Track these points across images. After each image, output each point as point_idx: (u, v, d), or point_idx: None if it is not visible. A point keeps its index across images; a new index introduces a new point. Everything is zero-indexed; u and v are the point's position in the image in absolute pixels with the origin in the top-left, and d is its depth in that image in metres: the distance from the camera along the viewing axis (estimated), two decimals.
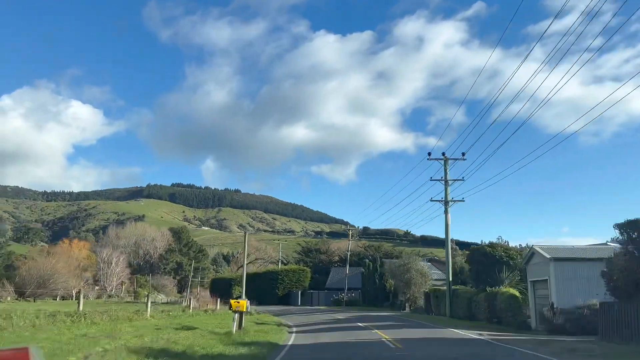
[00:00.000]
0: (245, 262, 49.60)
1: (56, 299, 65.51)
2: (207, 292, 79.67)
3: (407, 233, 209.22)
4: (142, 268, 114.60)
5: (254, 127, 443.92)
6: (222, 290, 78.26)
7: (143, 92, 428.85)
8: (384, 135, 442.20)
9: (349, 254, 65.32)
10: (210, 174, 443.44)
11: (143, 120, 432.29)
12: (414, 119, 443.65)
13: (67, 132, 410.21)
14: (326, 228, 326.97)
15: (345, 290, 60.45)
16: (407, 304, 50.04)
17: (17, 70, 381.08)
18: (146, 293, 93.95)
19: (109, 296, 77.70)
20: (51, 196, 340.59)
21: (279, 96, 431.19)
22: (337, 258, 72.53)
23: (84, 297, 28.95)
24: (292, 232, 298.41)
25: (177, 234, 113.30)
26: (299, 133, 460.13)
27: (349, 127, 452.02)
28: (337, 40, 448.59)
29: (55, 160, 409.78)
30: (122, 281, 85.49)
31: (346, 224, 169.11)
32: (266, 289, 70.04)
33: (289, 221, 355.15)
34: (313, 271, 73.24)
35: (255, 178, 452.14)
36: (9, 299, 53.69)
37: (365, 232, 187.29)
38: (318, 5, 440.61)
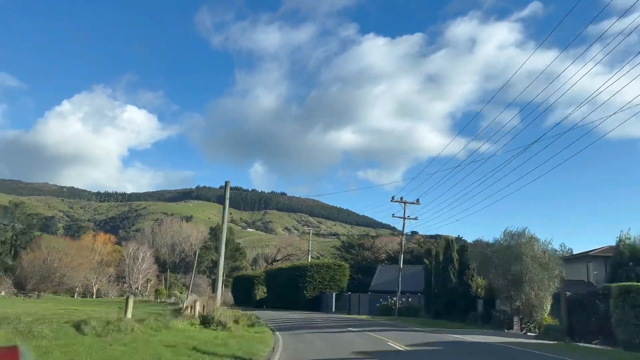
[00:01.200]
0: (222, 250, 32.22)
1: (61, 294, 57.41)
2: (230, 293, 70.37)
3: (458, 238, 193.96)
4: (178, 266, 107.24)
5: (301, 131, 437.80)
6: (244, 289, 68.40)
7: (195, 97, 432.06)
8: (433, 139, 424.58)
9: (403, 238, 44.96)
10: (258, 178, 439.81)
11: (195, 125, 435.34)
12: (464, 123, 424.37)
13: (123, 136, 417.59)
14: (372, 232, 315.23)
15: (398, 293, 41.52)
16: (517, 318, 29.00)
17: (76, 75, 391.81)
18: (170, 292, 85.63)
19: (133, 294, 70.10)
20: (104, 197, 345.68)
21: (326, 100, 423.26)
22: (384, 256, 60.42)
23: (94, 294, 20.23)
24: (337, 235, 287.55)
25: (213, 231, 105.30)
26: (346, 137, 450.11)
27: (396, 131, 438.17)
28: (386, 43, 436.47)
29: (111, 162, 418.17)
30: (148, 278, 77.27)
31: (393, 229, 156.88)
32: (291, 289, 56.87)
33: (335, 225, 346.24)
34: (354, 270, 59.82)
35: (302, 182, 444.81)
36: (2, 293, 45.82)
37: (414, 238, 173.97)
38: (367, 8, 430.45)
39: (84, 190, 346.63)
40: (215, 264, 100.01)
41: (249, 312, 31.17)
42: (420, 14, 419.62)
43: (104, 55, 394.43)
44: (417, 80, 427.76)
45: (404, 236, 45.64)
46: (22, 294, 48.28)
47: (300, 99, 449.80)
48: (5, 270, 50.82)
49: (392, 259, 55.78)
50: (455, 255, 37.63)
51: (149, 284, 77.39)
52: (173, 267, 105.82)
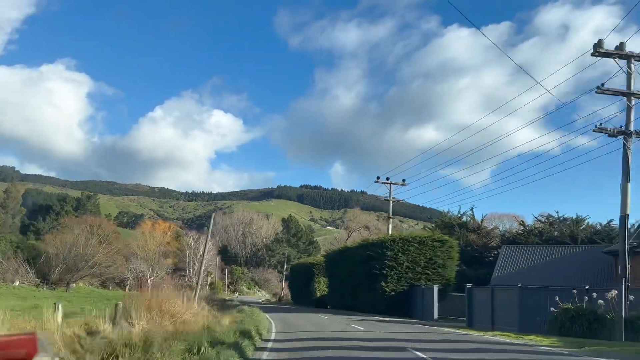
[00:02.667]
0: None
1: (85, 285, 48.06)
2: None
3: None
4: (249, 260, 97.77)
5: (381, 129, 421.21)
6: (301, 283, 52.87)
7: (276, 98, 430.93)
8: (524, 134, 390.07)
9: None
10: (338, 177, 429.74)
11: (276, 126, 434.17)
12: (558, 116, 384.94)
13: (210, 139, 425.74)
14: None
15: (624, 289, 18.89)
16: None
17: (166, 82, 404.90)
18: (236, 287, 75.69)
19: (192, 289, 60.87)
20: (192, 196, 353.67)
21: (407, 97, 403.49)
22: (496, 242, 43.46)
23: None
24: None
25: (286, 222, 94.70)
26: (428, 135, 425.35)
27: (483, 126, 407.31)
28: (471, 34, 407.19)
29: (200, 164, 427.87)
30: (209, 272, 67.29)
31: None
32: (362, 280, 37.26)
33: (417, 224, 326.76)
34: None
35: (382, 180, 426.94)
36: (16, 283, 36.83)
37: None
38: None
39: (173, 191, 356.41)
40: (289, 259, 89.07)
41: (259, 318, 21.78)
42: (508, 2, 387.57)
43: (190, 62, 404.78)
44: (505, 71, 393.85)
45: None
46: (45, 283, 39.27)
47: (379, 97, 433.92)
48: (29, 258, 41.78)
49: (511, 242, 39.45)
50: None
51: (209, 278, 67.32)
52: (245, 261, 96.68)
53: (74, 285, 41.67)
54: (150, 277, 59.17)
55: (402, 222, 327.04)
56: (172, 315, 12.79)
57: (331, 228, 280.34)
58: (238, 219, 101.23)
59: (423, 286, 33.64)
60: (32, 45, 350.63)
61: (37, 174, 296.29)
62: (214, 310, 23.50)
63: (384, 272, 35.15)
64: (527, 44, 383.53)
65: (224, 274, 75.94)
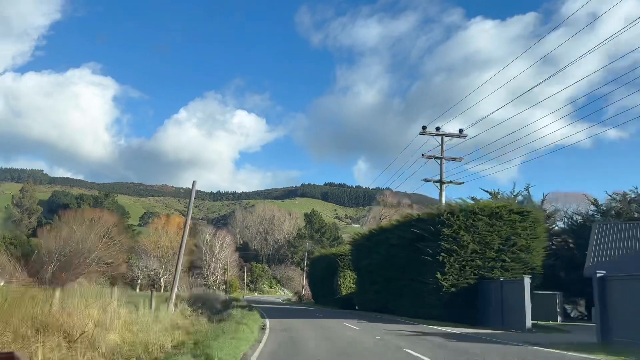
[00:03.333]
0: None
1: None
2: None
3: None
4: (271, 258, 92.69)
5: (404, 125, 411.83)
6: (322, 278, 43.71)
7: (298, 97, 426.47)
8: (552, 128, 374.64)
9: None
10: (362, 174, 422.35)
11: (299, 125, 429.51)
12: (587, 108, 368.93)
13: (234, 140, 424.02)
14: None
15: None
16: None
17: (190, 83, 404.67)
18: (257, 286, 70.26)
19: (208, 287, 55.55)
20: (217, 196, 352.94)
21: (430, 92, 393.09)
22: (556, 226, 36.51)
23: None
24: None
25: (308, 217, 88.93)
26: (452, 130, 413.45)
27: (509, 120, 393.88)
28: (496, 26, 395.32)
29: (224, 165, 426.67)
30: (225, 268, 62.03)
31: None
32: (403, 271, 28.39)
33: None
34: None
35: (405, 176, 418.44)
36: (1, 283, 32.34)
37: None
38: None
39: (199, 191, 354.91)
40: (310, 254, 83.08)
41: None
42: None
43: (213, 63, 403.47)
44: (531, 63, 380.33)
45: None
46: (38, 282, 34.66)
47: (402, 93, 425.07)
48: (23, 255, 37.10)
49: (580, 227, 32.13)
50: None
51: (226, 275, 62.13)
52: (266, 258, 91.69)
53: (75, 284, 37.09)
54: (162, 276, 54.46)
55: None
56: (67, 335, 7.36)
57: (356, 226, 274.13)
58: (259, 215, 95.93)
59: (502, 279, 23.22)
60: (59, 50, 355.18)
61: (65, 176, 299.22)
62: (202, 316, 17.78)
63: (440, 258, 24.58)
64: (554, 35, 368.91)
65: (243, 272, 70.75)
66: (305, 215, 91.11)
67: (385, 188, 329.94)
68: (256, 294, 68.69)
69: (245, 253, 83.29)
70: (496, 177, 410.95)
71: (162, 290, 53.49)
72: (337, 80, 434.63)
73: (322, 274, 43.85)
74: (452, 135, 32.44)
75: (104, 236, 42.87)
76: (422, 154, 32.03)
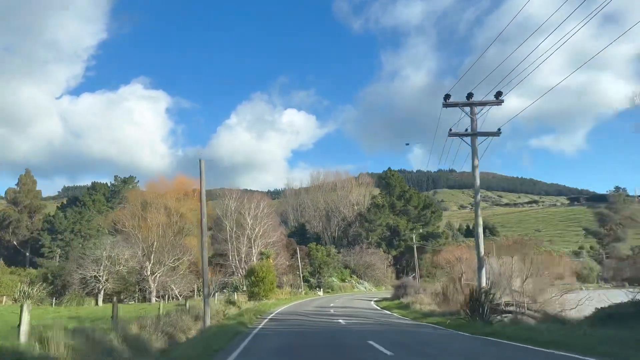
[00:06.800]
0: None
1: None
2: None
3: None
4: (337, 242, 66.47)
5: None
6: None
7: (344, 89, 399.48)
8: (620, 90, 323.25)
9: None
10: (418, 160, 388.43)
11: (348, 117, 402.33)
12: None
13: (285, 139, 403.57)
14: (566, 202, 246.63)
15: None
16: None
17: (237, 87, 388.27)
18: (311, 283, 43.60)
19: (235, 289, 31.15)
20: (274, 194, 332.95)
21: (483, 66, 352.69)
22: None
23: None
24: (534, 202, 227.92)
25: (383, 180, 62.00)
26: (510, 104, 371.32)
27: (572, 87, 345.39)
28: None
29: (278, 165, 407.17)
30: (264, 254, 36.12)
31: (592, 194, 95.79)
32: None
33: (519, 197, 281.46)
34: None
35: (463, 157, 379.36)
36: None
37: None
38: None
39: (255, 191, 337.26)
40: (393, 230, 53.80)
41: None
42: None
43: (255, 65, 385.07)
44: (592, 23, 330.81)
45: None
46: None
47: (453, 70, 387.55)
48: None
49: None
50: None
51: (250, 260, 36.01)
52: (331, 242, 65.87)
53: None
54: (151, 274, 29.14)
55: (500, 196, 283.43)
56: None
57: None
58: (316, 186, 70.40)
59: None
60: (109, 68, 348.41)
61: None
62: None
63: None
64: None
65: (296, 260, 44.77)
66: (379, 177, 64.35)
67: (449, 170, 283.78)
68: (320, 293, 43.38)
69: (302, 238, 58.12)
70: (563, 147, 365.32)
71: (171, 299, 28.50)
72: (383, 66, 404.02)
73: None
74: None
75: None
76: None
